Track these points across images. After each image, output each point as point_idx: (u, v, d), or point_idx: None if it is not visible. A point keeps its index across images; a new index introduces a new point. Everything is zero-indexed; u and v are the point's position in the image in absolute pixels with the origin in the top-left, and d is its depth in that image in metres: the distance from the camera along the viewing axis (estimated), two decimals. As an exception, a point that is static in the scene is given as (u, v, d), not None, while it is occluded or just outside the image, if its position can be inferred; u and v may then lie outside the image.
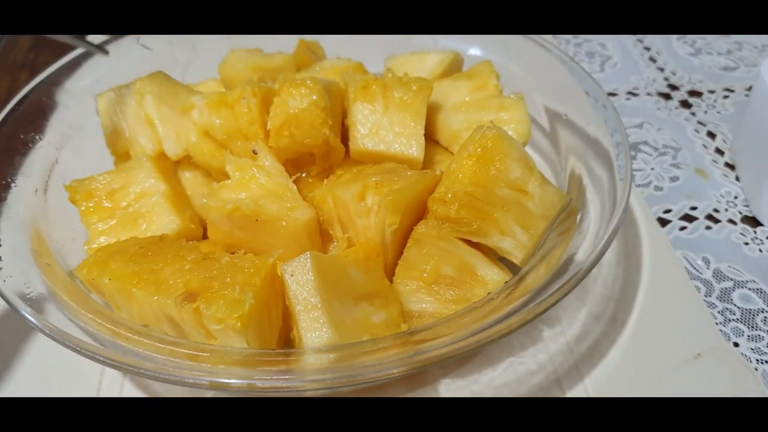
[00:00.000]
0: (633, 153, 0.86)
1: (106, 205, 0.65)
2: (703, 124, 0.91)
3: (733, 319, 0.65)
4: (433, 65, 0.77)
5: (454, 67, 0.79)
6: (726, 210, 0.77)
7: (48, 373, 0.61)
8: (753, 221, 0.76)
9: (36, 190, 0.66)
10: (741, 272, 0.70)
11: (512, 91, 0.72)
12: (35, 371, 0.62)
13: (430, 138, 0.71)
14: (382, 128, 0.67)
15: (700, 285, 0.69)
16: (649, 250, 0.70)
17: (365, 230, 0.59)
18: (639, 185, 0.81)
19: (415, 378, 0.60)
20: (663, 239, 0.72)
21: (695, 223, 0.76)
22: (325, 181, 0.65)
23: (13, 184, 0.65)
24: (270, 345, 0.54)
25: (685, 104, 0.95)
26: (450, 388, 0.59)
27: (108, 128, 0.70)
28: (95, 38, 0.81)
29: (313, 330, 0.50)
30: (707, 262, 0.71)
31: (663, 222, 0.76)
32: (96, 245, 0.62)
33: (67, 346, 0.49)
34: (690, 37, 1.09)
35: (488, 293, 0.55)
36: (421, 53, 0.79)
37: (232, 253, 0.62)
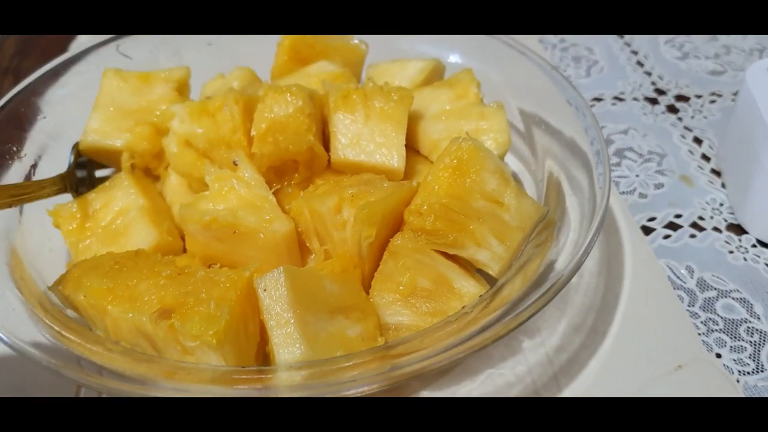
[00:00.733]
0: (618, 159, 0.86)
1: (89, 224, 0.65)
2: (690, 130, 0.90)
3: (716, 330, 0.65)
4: (414, 73, 0.77)
5: (436, 74, 0.79)
6: (711, 218, 0.77)
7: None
8: (738, 229, 0.75)
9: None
10: (725, 281, 0.69)
11: (493, 99, 0.71)
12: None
13: (411, 147, 0.70)
14: (363, 138, 0.66)
15: (684, 294, 0.68)
16: (631, 259, 0.70)
17: (342, 243, 0.59)
18: (623, 192, 0.81)
19: (392, 389, 0.59)
20: (646, 248, 0.72)
21: (679, 231, 0.75)
22: (302, 193, 0.65)
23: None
24: (248, 359, 0.54)
25: (672, 109, 0.95)
26: (428, 400, 0.59)
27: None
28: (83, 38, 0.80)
29: (286, 346, 0.50)
30: (691, 271, 0.71)
31: (647, 230, 0.75)
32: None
33: (41, 365, 0.49)
34: (678, 41, 1.08)
35: (463, 307, 0.55)
36: (402, 61, 0.78)
37: (210, 266, 0.62)
